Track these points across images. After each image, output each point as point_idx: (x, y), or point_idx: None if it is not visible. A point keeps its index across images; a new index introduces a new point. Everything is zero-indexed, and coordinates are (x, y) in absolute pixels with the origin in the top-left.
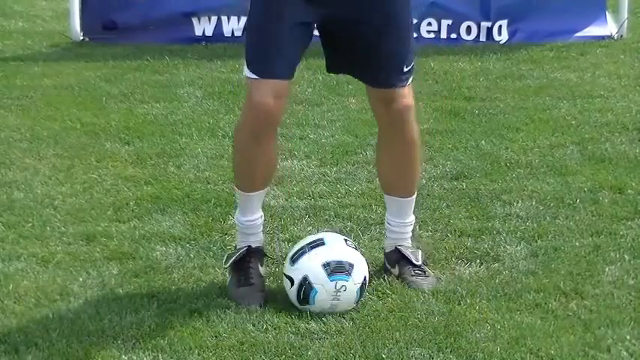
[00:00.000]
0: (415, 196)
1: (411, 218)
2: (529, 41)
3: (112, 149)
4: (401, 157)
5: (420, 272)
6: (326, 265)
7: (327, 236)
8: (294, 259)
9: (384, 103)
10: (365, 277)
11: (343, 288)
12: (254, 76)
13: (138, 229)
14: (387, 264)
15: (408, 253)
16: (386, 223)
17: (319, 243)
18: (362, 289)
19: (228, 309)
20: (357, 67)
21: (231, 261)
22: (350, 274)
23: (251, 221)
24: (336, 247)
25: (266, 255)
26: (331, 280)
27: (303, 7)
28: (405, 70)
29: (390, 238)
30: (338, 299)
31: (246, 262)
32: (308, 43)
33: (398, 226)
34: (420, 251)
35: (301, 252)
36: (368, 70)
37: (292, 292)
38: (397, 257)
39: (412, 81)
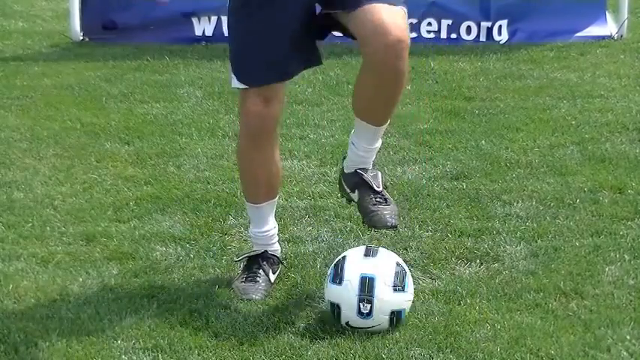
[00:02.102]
0: (387, 124)
1: (379, 143)
2: (529, 41)
3: (112, 149)
4: (386, 92)
5: (380, 200)
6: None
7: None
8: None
9: (380, 35)
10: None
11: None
12: (243, 86)
13: (138, 229)
14: (345, 185)
15: (368, 178)
16: (350, 144)
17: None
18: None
19: (228, 309)
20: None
21: (244, 256)
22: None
23: (262, 232)
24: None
25: (282, 264)
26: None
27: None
28: None
29: (352, 160)
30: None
31: (257, 262)
32: (306, 31)
33: (364, 150)
34: (379, 173)
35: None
36: None
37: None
38: (357, 181)
39: (403, 11)
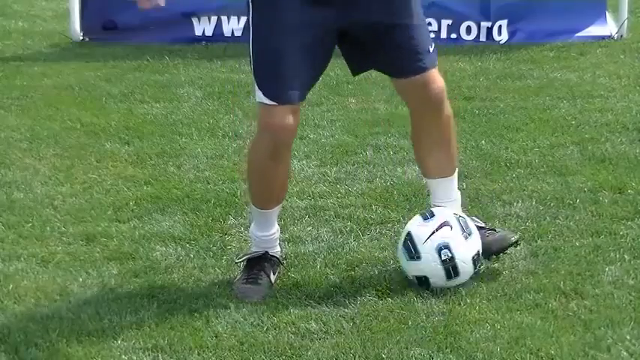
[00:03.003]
0: (457, 172)
1: (458, 193)
2: (529, 41)
3: (112, 149)
4: (442, 138)
5: (491, 231)
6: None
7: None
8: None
9: (420, 89)
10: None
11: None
12: (269, 102)
13: (138, 229)
14: None
15: (471, 220)
16: (433, 206)
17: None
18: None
19: (228, 309)
20: (386, 63)
21: (244, 257)
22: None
23: (267, 236)
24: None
25: (282, 264)
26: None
27: (317, 18)
28: (431, 50)
29: None
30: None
31: (259, 264)
32: (327, 58)
33: (450, 204)
34: (474, 217)
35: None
36: (399, 62)
37: (439, 272)
38: None
39: (435, 55)
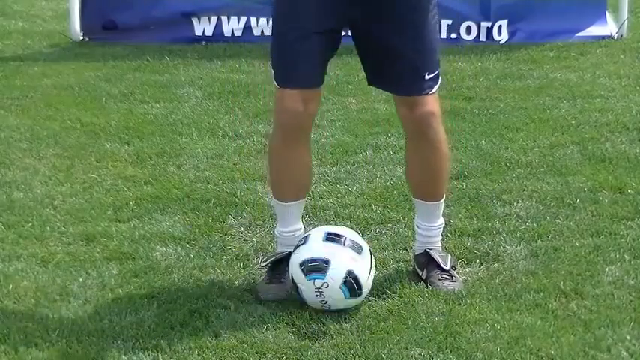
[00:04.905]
0: (443, 200)
1: (440, 222)
2: (529, 41)
3: (112, 149)
4: (425, 162)
5: (447, 277)
6: (302, 265)
7: (312, 233)
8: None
9: (407, 108)
10: (349, 272)
11: (325, 285)
12: (278, 85)
13: (138, 229)
14: (415, 267)
15: (437, 256)
16: (415, 226)
17: (301, 242)
18: (348, 284)
19: (228, 309)
20: (381, 77)
21: (269, 260)
22: (325, 271)
23: (289, 232)
24: (314, 244)
25: None
26: (308, 280)
27: (325, 13)
28: (427, 77)
29: (419, 241)
30: (323, 297)
31: (282, 264)
32: (334, 50)
33: (426, 229)
34: (449, 255)
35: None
36: (389, 78)
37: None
38: (426, 260)
39: (437, 89)
